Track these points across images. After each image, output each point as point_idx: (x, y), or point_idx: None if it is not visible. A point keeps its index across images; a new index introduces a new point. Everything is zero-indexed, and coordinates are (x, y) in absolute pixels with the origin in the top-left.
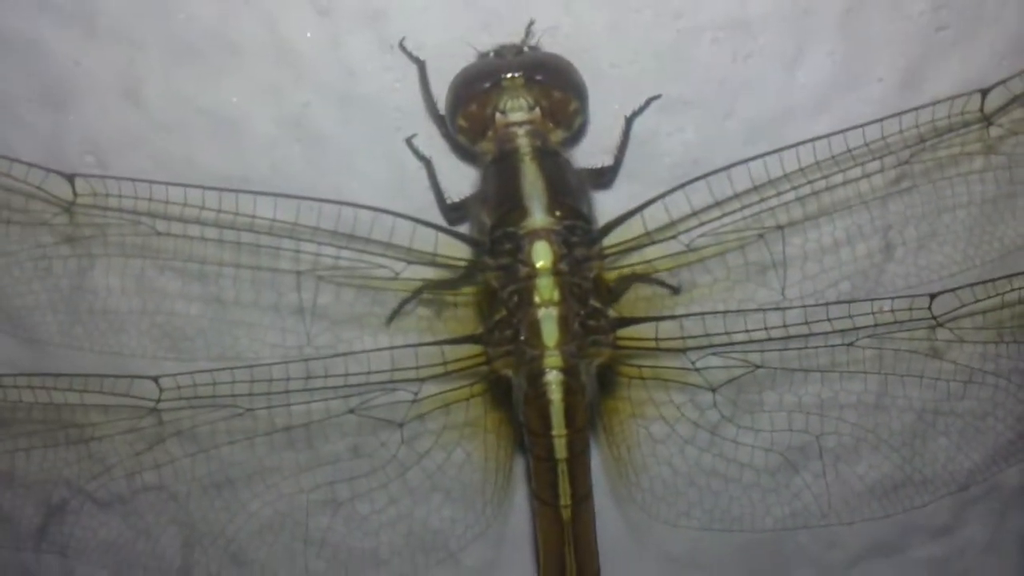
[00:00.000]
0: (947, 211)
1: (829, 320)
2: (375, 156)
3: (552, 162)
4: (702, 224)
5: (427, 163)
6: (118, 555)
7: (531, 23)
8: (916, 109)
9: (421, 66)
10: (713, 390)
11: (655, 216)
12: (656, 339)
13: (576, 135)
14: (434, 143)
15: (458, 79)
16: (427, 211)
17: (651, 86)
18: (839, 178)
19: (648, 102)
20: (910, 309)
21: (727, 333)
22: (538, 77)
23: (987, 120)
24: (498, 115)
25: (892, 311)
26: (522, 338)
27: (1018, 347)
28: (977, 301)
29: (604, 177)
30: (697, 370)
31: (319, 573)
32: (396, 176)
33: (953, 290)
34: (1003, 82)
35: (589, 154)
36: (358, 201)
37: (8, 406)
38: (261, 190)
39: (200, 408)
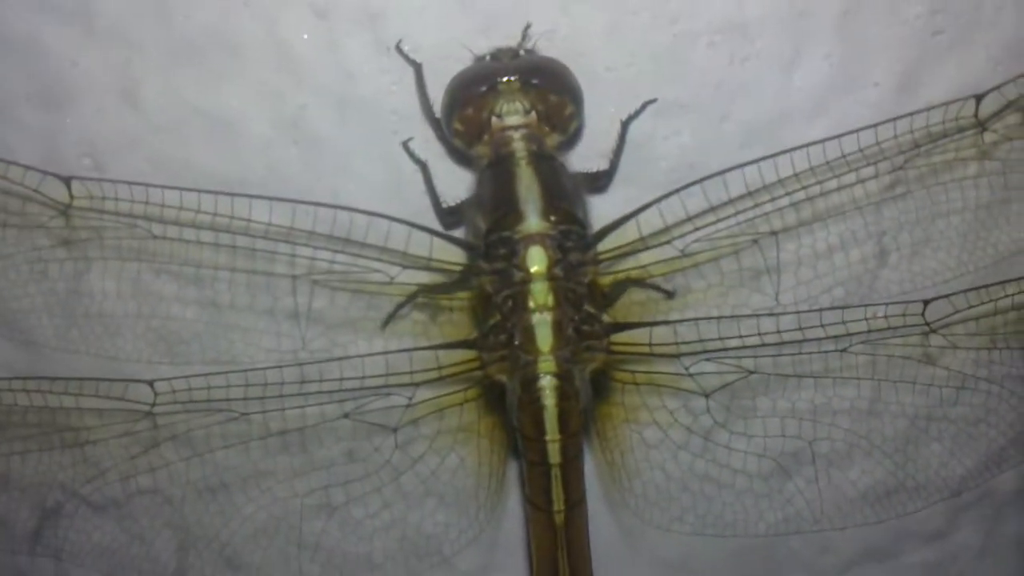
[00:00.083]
0: (941, 217)
1: (823, 326)
2: (372, 159)
3: (547, 166)
4: (697, 229)
5: (423, 166)
6: (113, 559)
7: (528, 26)
8: (911, 114)
9: (418, 69)
10: (707, 395)
11: (650, 221)
12: (650, 344)
13: (572, 139)
14: (431, 146)
15: (454, 82)
16: (423, 215)
17: (647, 90)
18: (833, 183)
19: (644, 106)
20: (903, 315)
21: (721, 339)
22: (534, 81)
23: (982, 126)
24: (494, 119)
25: (886, 317)
26: (516, 343)
27: (1011, 353)
28: (971, 307)
29: (600, 181)
30: (691, 375)
31: None
32: (392, 179)
33: (947, 296)
34: (997, 88)
35: (585, 158)
36: (355, 204)
37: (3, 409)
38: (258, 192)
39: (195, 412)
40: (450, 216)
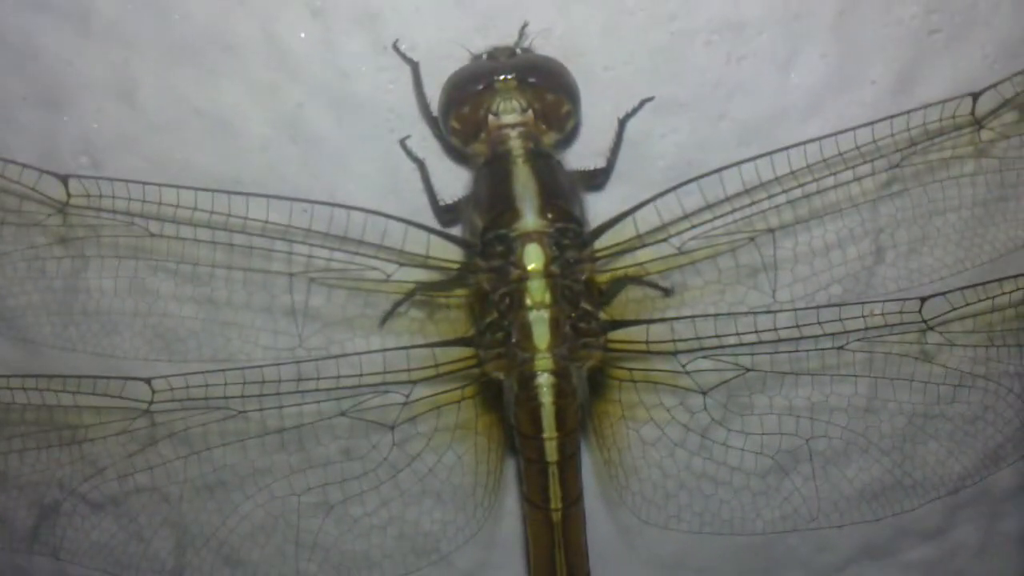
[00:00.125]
0: (938, 214)
1: (819, 323)
2: (369, 157)
3: (544, 164)
4: (693, 227)
5: (420, 164)
6: (110, 557)
7: (525, 25)
8: (907, 112)
9: (415, 67)
10: (703, 393)
11: (646, 219)
12: (647, 342)
13: (569, 137)
14: (428, 144)
15: (451, 81)
16: (420, 212)
17: (645, 88)
18: (830, 181)
19: (641, 104)
20: (900, 312)
21: (717, 336)
22: (531, 79)
23: (978, 124)
24: (491, 117)
25: (882, 314)
26: (513, 340)
27: (1008, 350)
28: (967, 305)
29: (597, 179)
30: (687, 373)
31: (311, 575)
32: (390, 177)
33: (943, 293)
34: (994, 86)
35: (582, 156)
36: (352, 202)
37: (1, 407)
38: (255, 190)
39: (192, 410)
40: (447, 214)
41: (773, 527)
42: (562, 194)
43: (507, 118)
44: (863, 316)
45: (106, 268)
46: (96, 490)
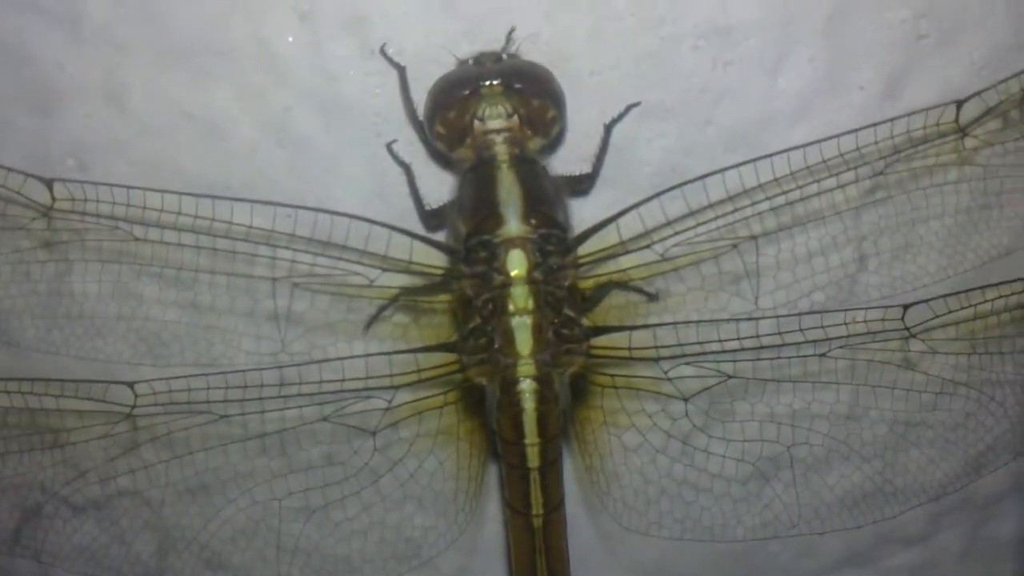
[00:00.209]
0: (921, 222)
1: (802, 330)
2: (356, 161)
3: (529, 170)
4: (676, 234)
5: (407, 169)
6: (92, 560)
7: (512, 30)
8: (891, 120)
9: (401, 72)
10: (685, 400)
11: (630, 225)
12: (629, 348)
13: (554, 143)
14: (414, 149)
15: (437, 86)
16: (407, 217)
17: (631, 93)
18: (813, 188)
19: (627, 109)
20: (883, 320)
21: (700, 343)
22: (517, 85)
23: (962, 131)
24: (476, 122)
25: (865, 322)
26: (496, 346)
27: (990, 358)
28: (950, 312)
29: (582, 185)
30: (670, 379)
31: None
32: (376, 181)
33: (926, 301)
34: (978, 94)
35: (569, 161)
36: (339, 206)
37: None
38: (243, 194)
39: (175, 414)
40: (433, 218)
41: (754, 534)
42: (546, 200)
43: (493, 123)
44: (845, 323)
45: (90, 272)
46: (78, 493)
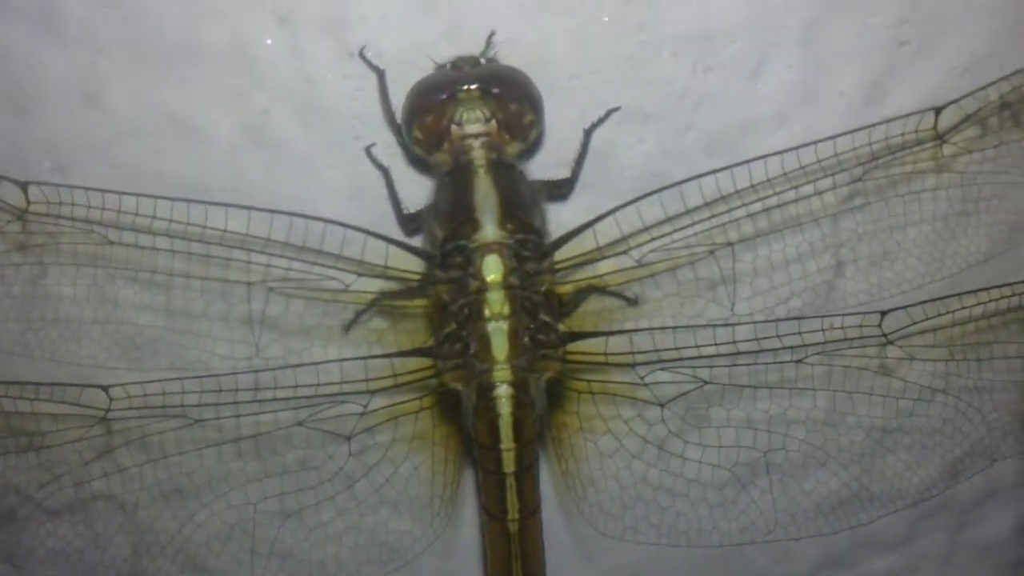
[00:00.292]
0: (899, 229)
1: (779, 336)
2: (335, 164)
3: (506, 175)
4: (653, 240)
5: (385, 172)
6: (67, 564)
7: (492, 34)
8: (869, 127)
9: (380, 75)
10: (662, 405)
11: (606, 231)
12: (605, 354)
13: (532, 147)
14: (393, 152)
15: (414, 90)
16: (385, 220)
17: (611, 98)
18: (791, 195)
19: (608, 114)
20: (860, 326)
21: (676, 348)
22: (494, 90)
23: (940, 138)
24: (454, 127)
25: (842, 328)
26: (472, 352)
27: (968, 365)
28: (928, 319)
29: (561, 189)
30: (646, 385)
31: None
32: (355, 184)
33: (904, 307)
34: (956, 101)
35: (548, 166)
36: (318, 209)
37: None
38: (221, 196)
39: (149, 418)
40: (411, 223)
41: (730, 539)
42: (523, 205)
43: (470, 128)
44: (823, 330)
45: (65, 275)
46: (52, 497)
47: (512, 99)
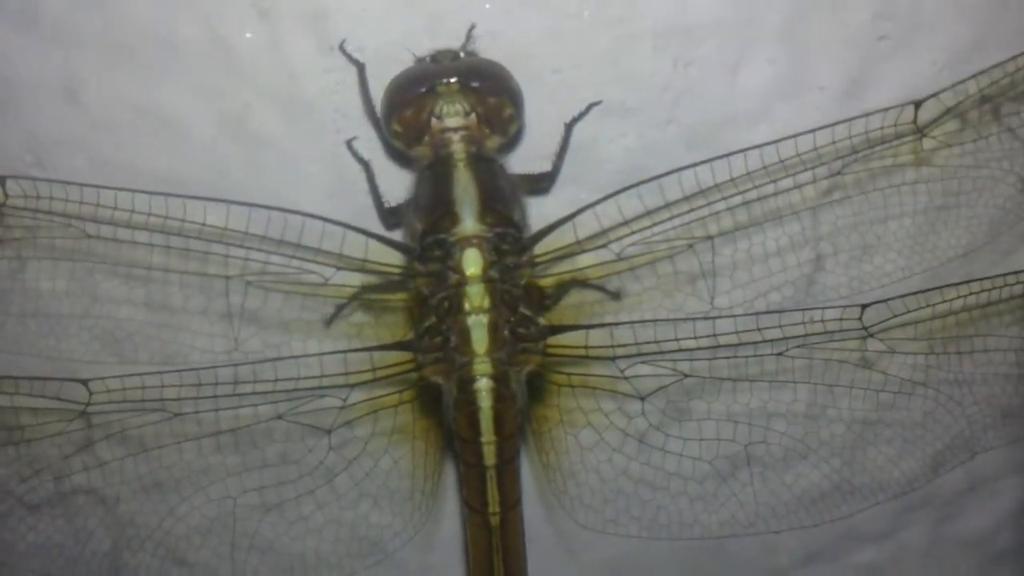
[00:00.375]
0: (879, 222)
1: (759, 330)
2: (316, 158)
3: (486, 168)
4: (632, 233)
5: (366, 166)
6: (48, 558)
7: (472, 28)
8: (849, 120)
9: (361, 69)
10: (642, 398)
11: (586, 225)
12: (586, 347)
13: (512, 141)
14: (374, 146)
15: (393, 84)
16: (367, 214)
17: (592, 92)
18: (770, 188)
19: (588, 108)
20: (841, 319)
21: (656, 342)
22: (473, 83)
23: (920, 132)
24: (434, 120)
25: (823, 321)
26: (452, 345)
27: (948, 358)
28: (909, 312)
29: (542, 183)
30: (626, 378)
31: None
32: (336, 178)
33: (884, 301)
34: (936, 94)
35: (529, 160)
36: (299, 203)
37: None
38: (201, 191)
39: (129, 412)
40: (392, 216)
41: (711, 532)
42: (502, 199)
43: (450, 121)
44: (803, 323)
45: (43, 269)
46: (33, 491)
47: (491, 93)
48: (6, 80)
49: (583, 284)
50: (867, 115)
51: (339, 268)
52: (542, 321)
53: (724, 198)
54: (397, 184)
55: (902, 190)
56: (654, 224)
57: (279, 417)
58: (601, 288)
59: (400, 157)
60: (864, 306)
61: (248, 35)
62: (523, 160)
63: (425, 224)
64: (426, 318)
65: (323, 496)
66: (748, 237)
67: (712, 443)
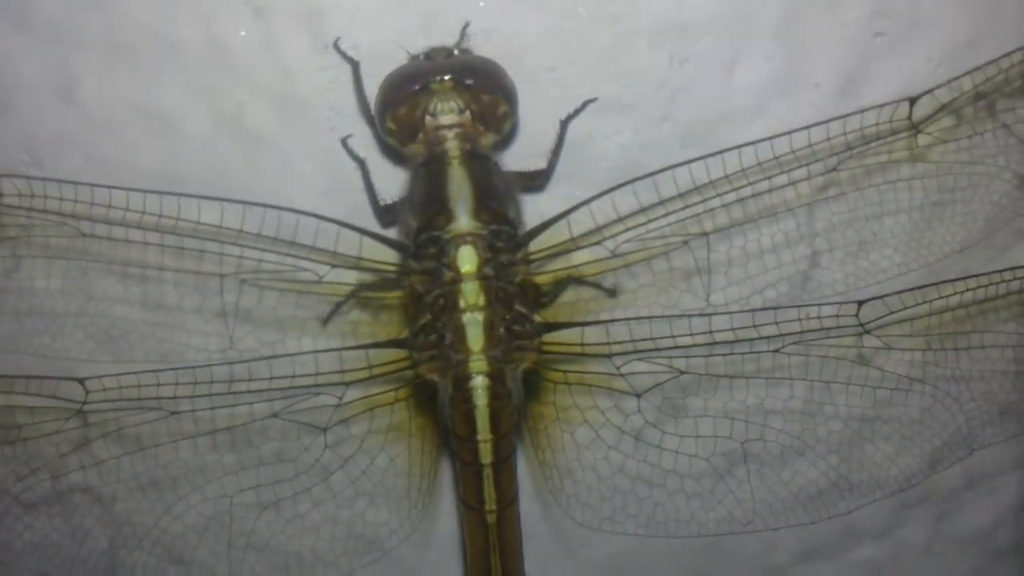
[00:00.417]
0: (875, 219)
1: (755, 326)
2: (311, 156)
3: (480, 166)
4: (627, 230)
5: (361, 164)
6: (44, 557)
7: (466, 25)
8: (844, 116)
9: (355, 67)
10: (638, 395)
11: (581, 221)
12: (582, 344)
13: (506, 138)
14: (370, 144)
15: (387, 82)
16: (361, 211)
17: (587, 89)
18: (765, 185)
19: (584, 105)
20: (837, 316)
21: (652, 339)
22: (467, 80)
23: (915, 128)
24: (428, 118)
25: (819, 318)
26: (447, 342)
27: (945, 354)
28: (905, 308)
29: (537, 180)
30: (622, 375)
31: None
32: (331, 176)
33: (880, 297)
34: (931, 91)
35: (525, 157)
36: (294, 201)
37: None
38: (197, 189)
39: (125, 410)
40: (387, 214)
41: (708, 530)
42: (497, 196)
43: (444, 119)
44: (799, 319)
45: (38, 268)
46: (30, 490)
47: (486, 90)
48: (3, 80)
49: (580, 281)
50: (862, 111)
51: (334, 266)
52: (537, 318)
53: (719, 194)
54: (392, 182)
55: (897, 186)
56: (649, 221)
57: (275, 415)
58: (598, 285)
59: (395, 155)
60: (860, 302)
61: (243, 33)
62: (518, 157)
63: (420, 221)
64: (421, 316)
65: (319, 494)
66: (743, 234)
67: (709, 440)
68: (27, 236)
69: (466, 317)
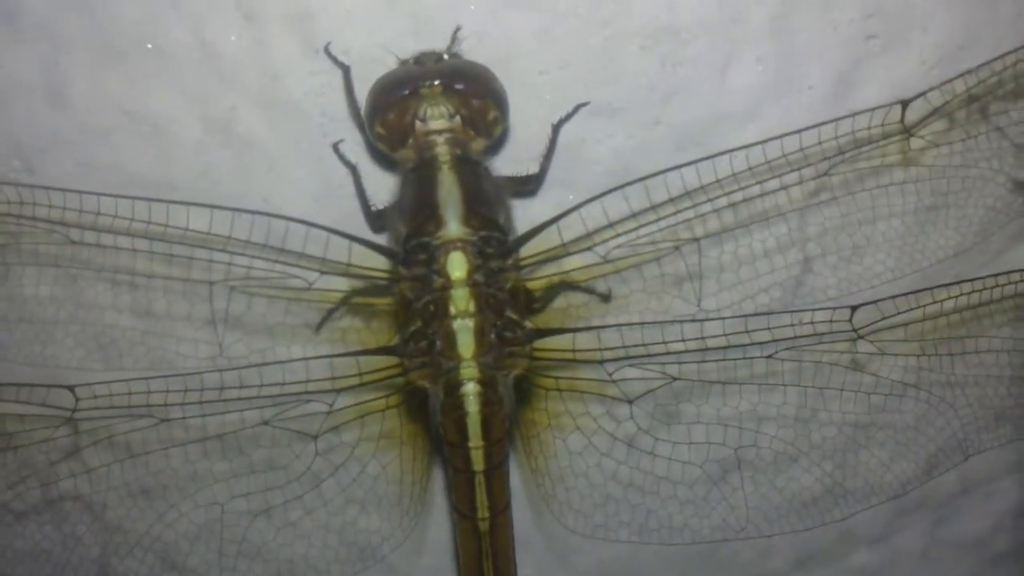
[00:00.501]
0: (867, 223)
1: (748, 332)
2: (302, 161)
3: (470, 171)
4: (618, 235)
5: (353, 169)
6: (35, 565)
7: (457, 30)
8: (836, 120)
9: (346, 71)
10: (630, 402)
11: (571, 227)
12: (573, 350)
13: (497, 143)
14: (361, 149)
15: (376, 87)
16: (354, 217)
17: (580, 93)
18: (756, 189)
19: (576, 109)
20: (830, 321)
21: (644, 345)
22: (457, 85)
23: (908, 132)
24: (418, 123)
25: (812, 323)
26: (438, 349)
27: (940, 360)
28: (899, 313)
29: (529, 185)
30: (614, 382)
31: None
32: (323, 181)
33: (874, 302)
34: (923, 94)
35: (517, 161)
36: (285, 206)
37: None
38: (188, 195)
39: (116, 418)
40: (378, 219)
41: (701, 537)
42: (487, 202)
43: (434, 124)
44: (792, 325)
45: (27, 276)
46: (20, 498)
47: (476, 95)
48: None
49: (572, 287)
50: (854, 115)
51: (323, 272)
52: (528, 325)
53: (710, 199)
54: (384, 187)
55: (890, 190)
56: (639, 226)
57: (265, 423)
58: (591, 291)
59: (384, 160)
60: (854, 308)
61: (233, 38)
62: (510, 162)
63: (409, 227)
64: (411, 322)
65: (311, 502)
66: (735, 239)
67: (702, 447)
68: (16, 243)
69: (456, 324)
